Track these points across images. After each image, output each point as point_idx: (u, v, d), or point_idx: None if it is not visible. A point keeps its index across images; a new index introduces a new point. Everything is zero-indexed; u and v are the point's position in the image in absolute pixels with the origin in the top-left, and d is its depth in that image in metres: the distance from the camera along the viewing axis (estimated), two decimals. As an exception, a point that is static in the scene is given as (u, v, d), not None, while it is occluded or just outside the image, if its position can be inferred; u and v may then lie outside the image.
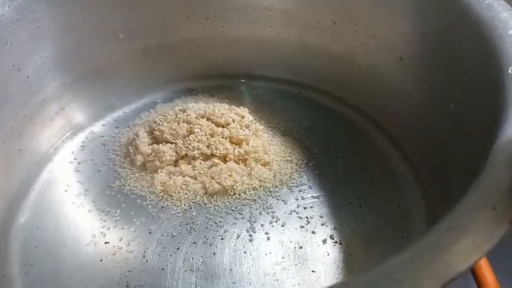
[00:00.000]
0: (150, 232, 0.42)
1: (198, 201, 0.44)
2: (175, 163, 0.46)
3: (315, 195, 0.45)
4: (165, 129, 0.47)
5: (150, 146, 0.47)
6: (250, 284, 0.39)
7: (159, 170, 0.46)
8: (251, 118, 0.49)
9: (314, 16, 0.50)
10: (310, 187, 0.45)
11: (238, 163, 0.46)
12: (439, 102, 0.42)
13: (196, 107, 0.49)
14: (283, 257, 0.40)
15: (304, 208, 0.44)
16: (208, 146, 0.46)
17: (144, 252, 0.41)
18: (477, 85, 0.37)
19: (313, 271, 0.39)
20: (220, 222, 0.43)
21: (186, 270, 0.40)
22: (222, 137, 0.46)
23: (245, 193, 0.44)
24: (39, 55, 0.46)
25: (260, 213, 0.43)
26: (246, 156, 0.46)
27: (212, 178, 0.45)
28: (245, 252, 0.41)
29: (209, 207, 0.44)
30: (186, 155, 0.46)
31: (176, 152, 0.46)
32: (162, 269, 0.40)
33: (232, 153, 0.46)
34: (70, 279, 0.39)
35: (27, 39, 0.44)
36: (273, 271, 0.39)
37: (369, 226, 0.42)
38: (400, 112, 0.48)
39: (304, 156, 0.48)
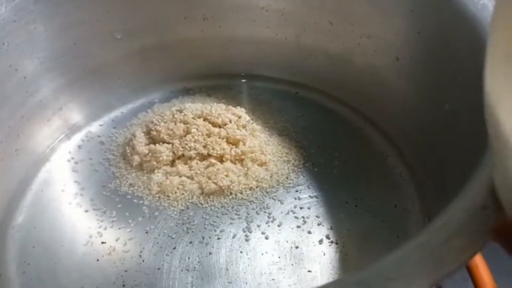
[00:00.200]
0: (146, 232, 0.42)
1: (195, 201, 0.44)
2: (172, 163, 0.46)
3: (311, 195, 0.45)
4: (162, 129, 0.47)
5: (147, 146, 0.47)
6: (246, 283, 0.39)
7: (156, 170, 0.46)
8: (248, 118, 0.49)
9: (310, 16, 0.50)
10: (306, 187, 0.45)
11: (235, 163, 0.46)
12: (435, 102, 0.42)
13: (193, 107, 0.49)
14: (279, 257, 0.40)
15: (301, 208, 0.44)
16: (204, 146, 0.46)
17: (141, 252, 0.41)
18: (472, 84, 0.37)
19: (309, 271, 0.40)
20: (216, 222, 0.43)
21: (182, 270, 0.40)
22: (219, 137, 0.47)
23: (241, 193, 0.45)
24: (36, 55, 0.46)
25: (257, 213, 0.43)
26: (243, 156, 0.46)
27: (209, 178, 0.45)
28: (241, 252, 0.41)
29: (206, 207, 0.44)
30: (183, 155, 0.46)
31: (173, 152, 0.46)
32: (159, 269, 0.40)
33: (228, 153, 0.46)
34: (67, 279, 0.39)
35: (24, 40, 0.44)
36: (269, 270, 0.40)
37: (365, 226, 0.42)
38: (397, 112, 0.48)
39: (301, 156, 0.48)
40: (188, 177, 0.45)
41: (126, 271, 0.40)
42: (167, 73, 0.55)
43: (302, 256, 0.40)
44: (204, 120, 0.48)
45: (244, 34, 0.54)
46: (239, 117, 0.48)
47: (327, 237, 0.42)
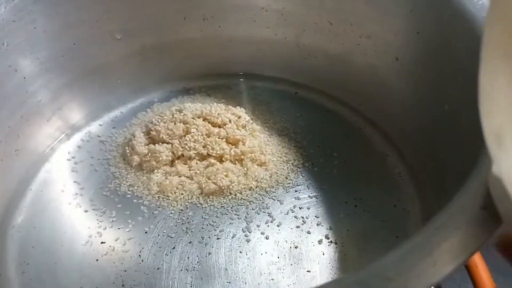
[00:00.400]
0: (146, 232, 0.42)
1: (194, 201, 0.44)
2: (171, 163, 0.46)
3: (311, 195, 0.45)
4: (161, 129, 0.47)
5: (147, 146, 0.47)
6: (245, 283, 0.39)
7: (155, 170, 0.46)
8: (247, 118, 0.49)
9: (310, 16, 0.50)
10: (306, 187, 0.45)
11: (234, 163, 0.46)
12: (435, 102, 0.42)
13: (192, 107, 0.49)
14: (278, 257, 0.40)
15: (300, 208, 0.44)
16: (204, 146, 0.46)
17: (140, 252, 0.41)
18: (472, 85, 0.37)
19: (308, 271, 0.40)
20: (216, 222, 0.43)
21: (181, 270, 0.40)
22: (219, 137, 0.47)
23: (241, 193, 0.45)
24: (36, 55, 0.46)
25: (257, 213, 0.43)
26: (242, 156, 0.46)
27: (208, 178, 0.45)
28: (240, 252, 0.41)
29: (205, 207, 0.44)
30: (182, 155, 0.46)
31: (173, 152, 0.46)
32: (158, 269, 0.40)
33: (228, 153, 0.46)
34: (66, 279, 0.39)
35: (24, 40, 0.44)
36: (269, 270, 0.40)
37: (364, 226, 0.42)
38: (397, 112, 0.48)
39: (300, 156, 0.48)
40: (187, 177, 0.45)
41: (125, 271, 0.40)
42: (166, 73, 0.55)
43: (302, 256, 0.40)
44: (203, 120, 0.48)
45: (243, 34, 0.54)
46: (239, 117, 0.48)
47: (327, 237, 0.42)
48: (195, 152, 0.46)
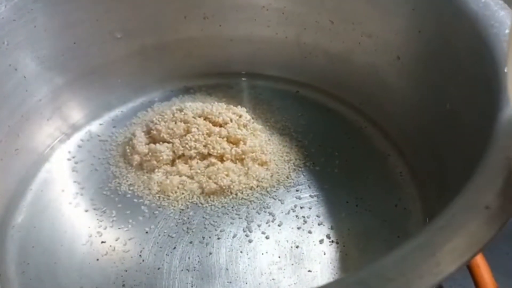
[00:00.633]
0: (146, 232, 0.42)
1: (195, 200, 0.44)
2: (172, 163, 0.46)
3: (312, 194, 0.45)
4: (162, 129, 0.47)
5: (147, 146, 0.47)
6: (246, 283, 0.39)
7: (156, 170, 0.46)
8: (248, 117, 0.49)
9: (311, 15, 0.50)
10: (307, 187, 0.45)
11: (235, 163, 0.46)
12: (436, 101, 0.42)
13: (193, 106, 0.49)
14: (279, 257, 0.40)
15: (301, 207, 0.44)
16: (205, 146, 0.46)
17: (141, 252, 0.41)
18: (473, 84, 0.37)
19: (309, 271, 0.39)
20: (216, 221, 0.43)
21: (182, 270, 0.39)
22: (219, 137, 0.46)
23: (242, 192, 0.44)
24: (36, 54, 0.46)
25: (257, 213, 0.43)
26: (243, 156, 0.46)
27: (209, 177, 0.45)
28: (241, 252, 0.41)
29: (206, 206, 0.44)
30: (183, 154, 0.46)
31: (173, 152, 0.46)
32: (158, 269, 0.40)
33: (229, 152, 0.46)
34: (66, 279, 0.39)
35: (24, 39, 0.44)
36: (270, 270, 0.39)
37: (365, 225, 0.42)
38: (398, 111, 0.48)
39: (301, 156, 0.48)
40: (188, 176, 0.45)
41: (126, 270, 0.40)
42: (167, 72, 0.55)
43: (303, 256, 0.40)
44: (204, 119, 0.47)
45: (244, 33, 0.53)
46: (240, 116, 0.48)
47: (328, 236, 0.41)
48: (195, 151, 0.46)
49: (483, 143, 0.31)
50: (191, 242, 0.41)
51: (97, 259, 0.40)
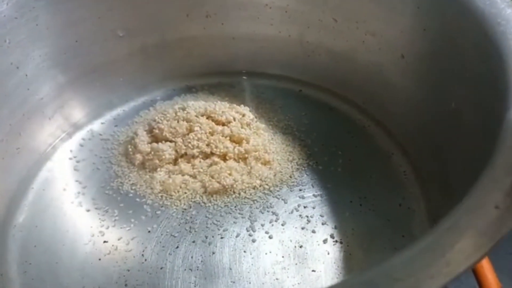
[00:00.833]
0: (149, 231, 0.42)
1: (198, 200, 0.44)
2: (175, 162, 0.46)
3: (315, 194, 0.44)
4: (164, 128, 0.46)
5: (149, 145, 0.46)
6: (250, 283, 0.38)
7: (158, 169, 0.45)
8: (252, 116, 0.49)
9: (314, 13, 0.50)
10: (310, 186, 0.45)
11: (238, 162, 0.46)
12: (441, 100, 0.42)
13: (196, 105, 0.48)
14: (283, 256, 0.40)
15: (305, 207, 0.43)
16: (208, 145, 0.46)
17: (143, 251, 0.40)
18: (479, 83, 0.36)
19: (313, 271, 0.39)
20: (219, 221, 0.42)
21: (185, 269, 0.39)
22: (222, 136, 0.46)
23: (245, 192, 0.44)
24: (38, 53, 0.45)
25: (261, 212, 0.43)
26: (246, 155, 0.46)
27: (212, 177, 0.44)
28: (244, 251, 0.40)
29: (209, 206, 0.43)
30: (185, 153, 0.46)
31: (176, 151, 0.46)
32: (161, 268, 0.39)
33: (232, 151, 0.45)
34: (68, 278, 0.39)
35: (26, 37, 0.44)
36: (273, 270, 0.39)
37: (369, 225, 0.42)
38: (402, 110, 0.48)
39: (304, 155, 0.48)
40: (191, 175, 0.45)
41: (128, 270, 0.39)
42: (169, 71, 0.55)
43: (306, 255, 0.40)
44: (207, 118, 0.47)
45: (247, 31, 0.53)
46: (243, 115, 0.48)
47: (332, 236, 0.41)
48: (198, 150, 0.45)
49: (488, 143, 0.30)
50: (194, 242, 0.41)
51: (99, 259, 0.40)
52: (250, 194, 0.44)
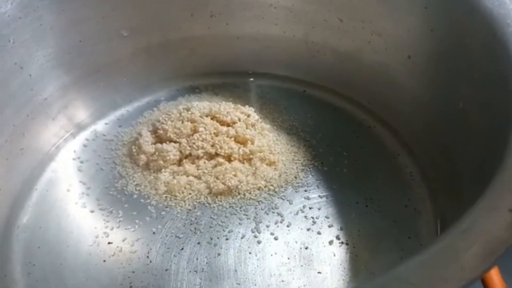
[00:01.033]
0: (153, 233, 0.42)
1: (203, 201, 0.44)
2: (179, 163, 0.46)
3: (321, 195, 0.44)
4: (168, 128, 0.46)
5: (154, 145, 0.46)
6: (255, 285, 0.38)
7: (162, 170, 0.45)
8: (256, 117, 0.49)
9: (319, 13, 0.49)
10: (316, 187, 0.45)
11: (243, 163, 0.45)
12: (448, 100, 0.42)
13: (200, 105, 0.48)
14: (288, 258, 0.40)
15: (310, 208, 0.43)
16: (212, 145, 0.45)
17: (148, 253, 0.40)
18: (487, 83, 0.36)
19: (319, 272, 0.39)
20: (224, 222, 0.42)
21: (190, 271, 0.39)
22: (227, 136, 0.46)
23: (250, 193, 0.44)
24: (42, 53, 0.45)
25: (266, 213, 0.43)
26: (251, 156, 0.45)
27: (217, 177, 0.44)
28: (250, 253, 0.40)
29: (214, 207, 0.43)
30: (190, 154, 0.46)
31: (180, 152, 0.46)
32: (166, 270, 0.39)
33: (237, 152, 0.45)
34: (72, 280, 0.39)
35: (30, 37, 0.44)
36: (279, 272, 0.39)
37: (375, 226, 0.42)
38: (408, 110, 0.48)
39: (309, 155, 0.47)
40: (195, 176, 0.45)
41: (133, 272, 0.39)
42: (173, 71, 0.54)
43: (312, 257, 0.40)
44: (212, 118, 0.47)
45: (251, 31, 0.53)
46: (248, 116, 0.48)
47: (337, 237, 0.41)
48: (203, 151, 0.45)
49: (496, 143, 0.30)
50: (199, 243, 0.41)
51: (104, 260, 0.40)
52: (255, 195, 0.44)
